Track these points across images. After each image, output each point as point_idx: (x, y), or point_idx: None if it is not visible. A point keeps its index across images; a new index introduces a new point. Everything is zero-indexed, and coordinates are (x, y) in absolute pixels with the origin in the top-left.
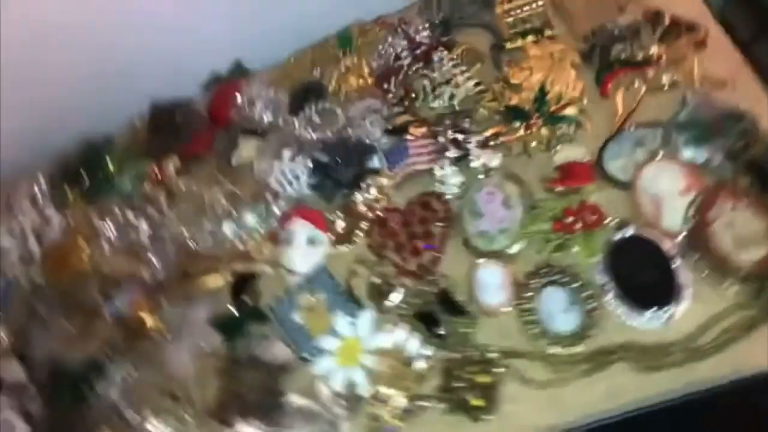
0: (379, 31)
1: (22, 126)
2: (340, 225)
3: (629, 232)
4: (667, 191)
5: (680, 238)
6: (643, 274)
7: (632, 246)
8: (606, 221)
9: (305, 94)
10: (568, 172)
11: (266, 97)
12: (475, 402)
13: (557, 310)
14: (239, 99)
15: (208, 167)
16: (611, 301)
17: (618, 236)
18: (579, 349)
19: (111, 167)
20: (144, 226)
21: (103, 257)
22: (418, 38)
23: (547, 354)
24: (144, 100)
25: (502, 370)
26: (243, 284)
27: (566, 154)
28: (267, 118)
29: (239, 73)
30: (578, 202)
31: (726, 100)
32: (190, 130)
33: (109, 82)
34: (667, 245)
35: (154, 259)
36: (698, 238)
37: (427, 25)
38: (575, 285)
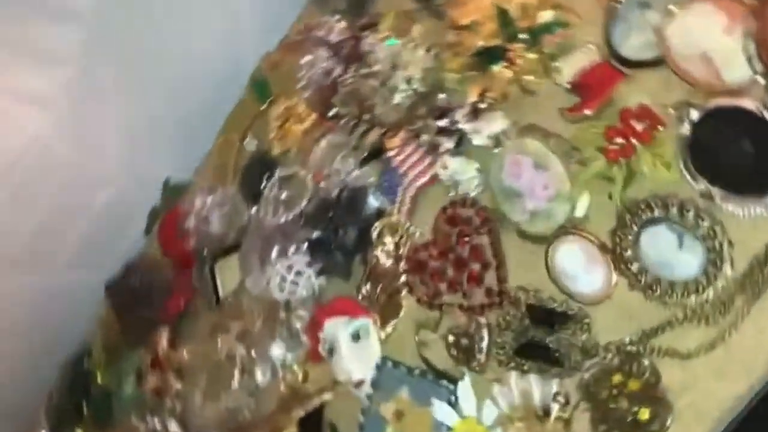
0: (288, 55)
1: None
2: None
3: (695, 114)
4: (709, 41)
5: (759, 85)
6: (741, 154)
7: (710, 127)
8: (662, 118)
9: (255, 174)
10: (585, 85)
11: (215, 202)
12: (644, 414)
13: (670, 253)
14: (189, 222)
15: (202, 318)
16: (722, 207)
17: (686, 127)
18: (722, 282)
19: (102, 381)
20: (173, 425)
21: None
22: (333, 38)
23: (690, 310)
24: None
25: (648, 360)
26: (313, 427)
27: (572, 66)
28: (230, 225)
29: (173, 193)
30: (617, 114)
31: None
32: (158, 290)
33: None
34: (748, 102)
35: None
36: None
37: (336, 17)
38: (672, 213)
